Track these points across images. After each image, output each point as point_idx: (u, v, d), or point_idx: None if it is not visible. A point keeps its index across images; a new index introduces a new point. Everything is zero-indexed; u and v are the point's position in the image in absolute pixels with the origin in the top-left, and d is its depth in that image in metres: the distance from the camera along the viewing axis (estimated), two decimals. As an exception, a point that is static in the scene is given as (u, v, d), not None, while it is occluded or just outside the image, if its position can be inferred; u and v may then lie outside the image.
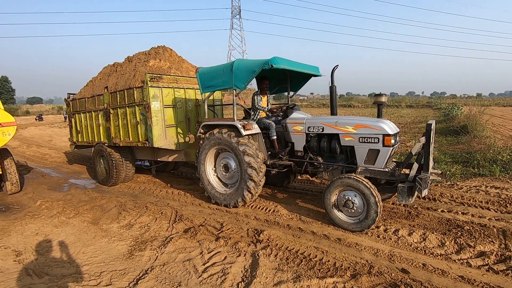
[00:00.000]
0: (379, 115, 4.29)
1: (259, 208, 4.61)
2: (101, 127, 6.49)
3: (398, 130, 4.05)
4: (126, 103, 5.73)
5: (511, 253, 2.99)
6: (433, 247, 3.22)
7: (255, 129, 4.57)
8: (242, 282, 2.69)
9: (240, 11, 63.98)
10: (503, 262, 2.88)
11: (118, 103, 5.92)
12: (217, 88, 4.72)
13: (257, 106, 4.83)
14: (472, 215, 3.96)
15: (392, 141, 3.74)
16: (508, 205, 4.19)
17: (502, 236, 3.38)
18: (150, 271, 3.00)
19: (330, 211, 3.80)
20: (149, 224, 4.16)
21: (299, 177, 6.12)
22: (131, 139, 5.88)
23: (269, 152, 4.68)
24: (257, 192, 4.48)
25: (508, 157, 7.14)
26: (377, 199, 3.45)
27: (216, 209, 4.72)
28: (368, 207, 3.49)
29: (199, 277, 2.83)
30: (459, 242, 3.24)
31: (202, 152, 4.89)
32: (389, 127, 3.82)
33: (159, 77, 5.39)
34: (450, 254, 3.08)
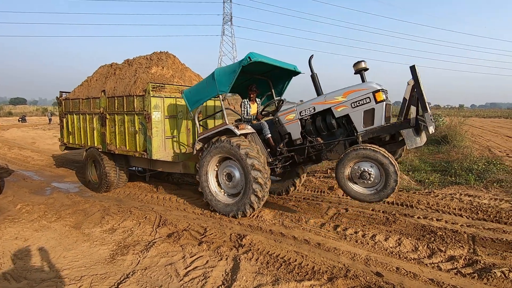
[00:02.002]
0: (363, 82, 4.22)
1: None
2: (95, 131, 6.25)
3: (386, 89, 4.00)
4: (125, 110, 5.54)
5: (478, 258, 3.18)
6: (407, 251, 3.37)
7: (249, 129, 4.58)
8: (222, 286, 2.75)
9: (231, 18, 64.61)
10: (470, 266, 3.05)
11: (116, 109, 5.72)
12: (204, 100, 4.72)
13: (243, 118, 4.96)
14: (446, 222, 4.15)
15: (383, 96, 3.76)
16: (479, 212, 4.42)
17: (472, 241, 3.57)
18: (132, 275, 3.01)
19: (344, 184, 3.75)
20: (132, 229, 4.16)
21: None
22: (127, 148, 5.66)
23: (269, 149, 4.64)
24: (264, 196, 4.31)
25: (483, 166, 7.49)
26: (396, 168, 3.41)
27: (201, 214, 4.76)
28: (387, 176, 3.45)
29: (180, 280, 2.87)
30: (431, 247, 3.41)
31: (204, 162, 4.74)
32: (376, 83, 3.84)
33: (161, 86, 5.24)
34: (423, 258, 3.24)
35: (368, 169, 3.60)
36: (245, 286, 2.71)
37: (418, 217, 4.32)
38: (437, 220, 4.20)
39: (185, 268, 3.08)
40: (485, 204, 4.69)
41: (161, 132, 5.27)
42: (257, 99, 5.30)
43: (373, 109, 3.78)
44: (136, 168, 7.57)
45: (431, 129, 3.43)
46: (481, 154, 9.38)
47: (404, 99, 3.72)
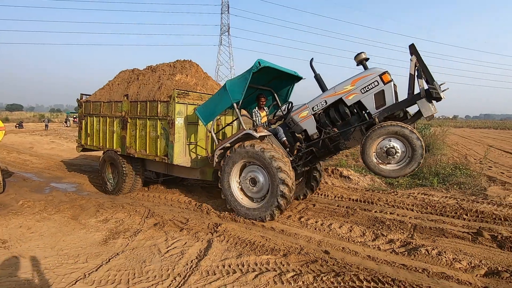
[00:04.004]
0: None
1: (221, 209, 5.26)
2: (115, 134, 6.39)
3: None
4: (148, 115, 5.70)
5: (413, 241, 3.80)
6: (356, 236, 3.99)
7: (266, 131, 4.82)
8: (196, 259, 3.34)
9: (229, 29, 66.08)
10: (404, 247, 3.68)
11: (138, 114, 5.88)
12: (218, 112, 4.93)
13: (257, 123, 5.31)
14: (397, 215, 4.79)
15: (390, 77, 3.97)
16: (428, 207, 5.06)
17: (413, 229, 4.20)
18: (121, 253, 3.59)
19: (380, 170, 3.88)
20: (123, 219, 4.73)
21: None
22: (147, 152, 5.80)
23: (287, 149, 4.83)
24: (291, 197, 4.36)
25: (450, 171, 8.18)
26: (410, 128, 3.61)
27: (186, 208, 5.35)
28: (409, 140, 3.63)
29: (161, 256, 3.45)
30: (376, 232, 4.03)
31: (226, 169, 4.80)
32: (380, 68, 4.08)
33: (186, 93, 5.40)
34: (367, 241, 3.86)
35: (389, 145, 3.76)
36: (214, 259, 3.31)
37: (375, 211, 4.95)
38: (390, 213, 4.84)
39: (167, 248, 3.67)
40: (435, 201, 5.35)
41: (183, 138, 5.41)
42: (265, 108, 5.67)
43: (383, 90, 3.99)
44: (152, 173, 7.54)
45: (442, 95, 3.67)
46: (453, 161, 10.10)
47: (410, 74, 3.91)
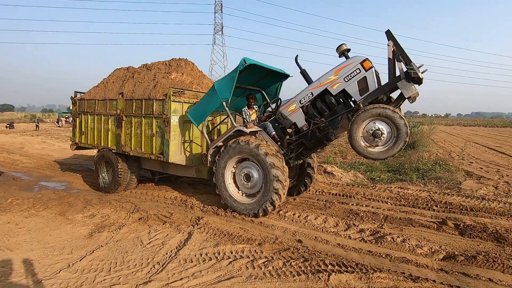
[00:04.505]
0: None
1: (205, 203, 5.45)
2: (110, 133, 6.40)
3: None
4: (143, 113, 5.73)
5: (382, 230, 4.05)
6: (330, 226, 4.23)
7: (256, 127, 4.93)
8: (175, 249, 3.54)
9: (222, 28, 66.05)
10: (373, 235, 3.92)
11: (133, 112, 5.89)
12: (208, 112, 5.02)
13: (247, 120, 5.47)
14: (372, 207, 5.04)
15: (371, 63, 4.13)
16: (402, 199, 5.33)
17: (384, 219, 4.46)
18: (105, 245, 3.77)
19: (369, 153, 4.00)
20: (109, 215, 4.90)
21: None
22: (143, 150, 5.83)
23: (279, 143, 4.94)
24: (284, 194, 4.43)
25: (431, 166, 8.49)
26: (392, 108, 3.71)
27: (171, 203, 5.53)
28: (393, 121, 3.77)
29: (143, 247, 3.64)
30: (349, 223, 4.28)
31: (221, 166, 4.87)
32: (361, 56, 4.23)
33: (181, 92, 5.43)
34: (340, 231, 4.10)
35: (375, 127, 3.91)
36: (192, 249, 3.51)
37: (352, 204, 5.20)
38: (366, 206, 5.09)
39: (149, 240, 3.86)
40: (409, 193, 5.63)
41: (178, 136, 5.46)
42: (255, 106, 5.82)
43: (365, 77, 4.16)
44: (147, 171, 7.42)
45: (421, 75, 3.81)
46: (437, 157, 10.44)
47: (389, 59, 4.09)
